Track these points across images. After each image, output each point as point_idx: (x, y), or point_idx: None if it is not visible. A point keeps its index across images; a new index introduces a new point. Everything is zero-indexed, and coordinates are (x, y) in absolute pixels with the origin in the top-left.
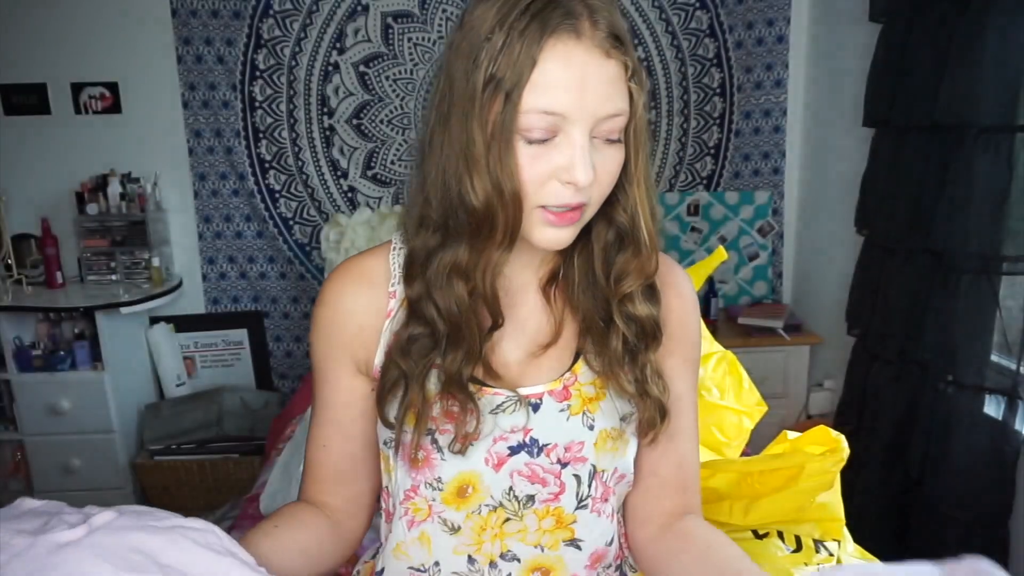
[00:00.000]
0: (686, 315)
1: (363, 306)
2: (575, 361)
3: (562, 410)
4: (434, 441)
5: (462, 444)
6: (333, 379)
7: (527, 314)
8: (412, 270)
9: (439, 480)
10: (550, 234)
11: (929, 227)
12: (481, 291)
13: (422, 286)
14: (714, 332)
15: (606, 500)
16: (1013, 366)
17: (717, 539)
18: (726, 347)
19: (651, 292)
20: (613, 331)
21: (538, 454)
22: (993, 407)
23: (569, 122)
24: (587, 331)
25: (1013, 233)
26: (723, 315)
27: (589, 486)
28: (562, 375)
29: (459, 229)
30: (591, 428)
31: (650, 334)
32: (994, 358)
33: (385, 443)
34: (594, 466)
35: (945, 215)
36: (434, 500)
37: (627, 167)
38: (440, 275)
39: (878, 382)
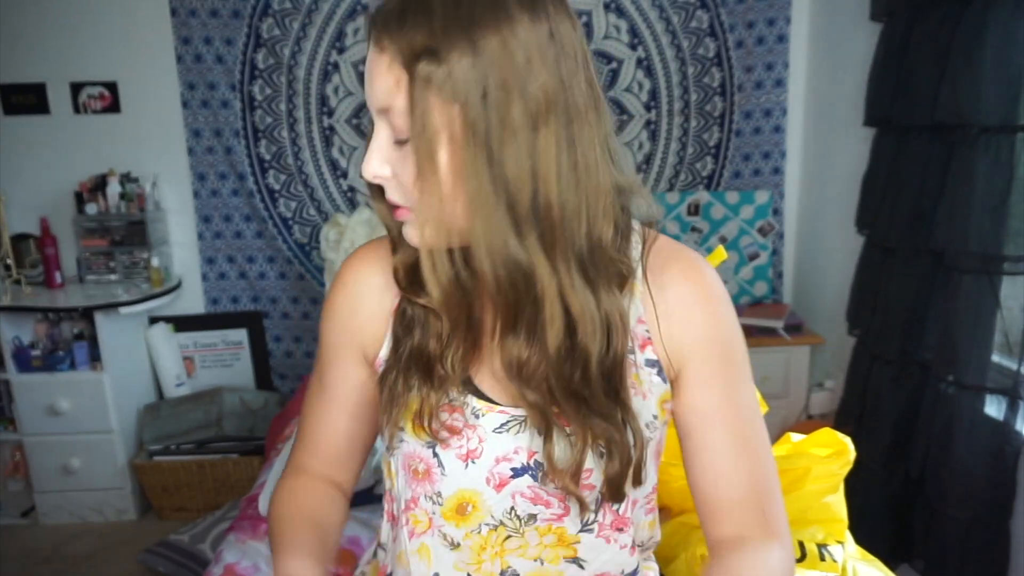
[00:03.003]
0: (692, 313)
1: (378, 295)
2: None
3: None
4: (435, 455)
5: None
6: (341, 364)
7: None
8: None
9: (439, 495)
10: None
11: (930, 227)
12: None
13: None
14: None
15: (621, 530)
16: (1014, 366)
17: None
18: None
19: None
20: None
21: (543, 480)
22: (994, 407)
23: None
24: None
25: (1014, 233)
26: None
27: (596, 512)
28: None
29: None
30: (601, 456)
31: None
32: (995, 358)
33: (388, 448)
34: (602, 493)
35: (946, 215)
36: (434, 514)
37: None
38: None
39: (879, 382)
